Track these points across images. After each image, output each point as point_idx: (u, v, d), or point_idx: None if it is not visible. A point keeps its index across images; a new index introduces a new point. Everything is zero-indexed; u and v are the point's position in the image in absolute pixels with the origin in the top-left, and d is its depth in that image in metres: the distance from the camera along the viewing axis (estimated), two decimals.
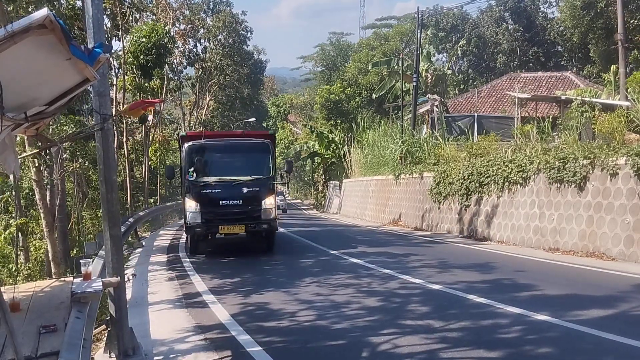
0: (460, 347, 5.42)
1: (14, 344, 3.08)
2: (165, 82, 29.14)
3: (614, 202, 10.50)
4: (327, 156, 39.87)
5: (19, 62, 3.03)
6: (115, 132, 20.22)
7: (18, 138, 11.18)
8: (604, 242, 10.60)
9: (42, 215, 14.23)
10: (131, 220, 16.05)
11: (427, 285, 8.51)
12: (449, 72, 45.21)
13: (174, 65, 32.80)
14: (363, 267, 10.56)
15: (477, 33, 45.82)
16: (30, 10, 11.57)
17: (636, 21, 29.10)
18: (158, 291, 8.92)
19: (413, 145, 22.50)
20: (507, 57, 43.74)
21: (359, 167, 29.85)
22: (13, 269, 14.78)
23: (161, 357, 5.60)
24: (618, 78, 21.16)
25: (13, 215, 16.45)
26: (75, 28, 14.92)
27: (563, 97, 21.25)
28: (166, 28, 25.50)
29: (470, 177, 15.47)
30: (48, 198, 14.35)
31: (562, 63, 43.42)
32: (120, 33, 21.46)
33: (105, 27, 6.87)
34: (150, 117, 27.72)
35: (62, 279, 6.32)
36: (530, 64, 43.41)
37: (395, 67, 37.05)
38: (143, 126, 27.80)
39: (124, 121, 24.44)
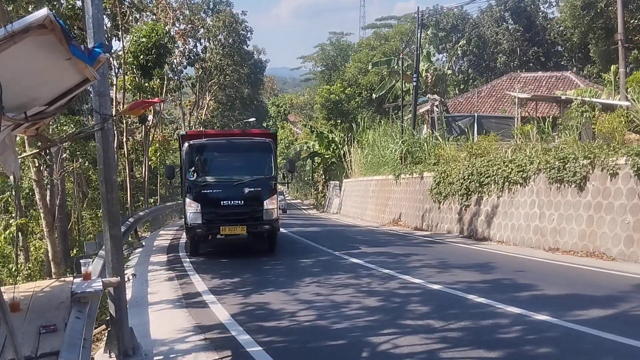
0: (460, 347, 5.42)
1: (14, 344, 3.08)
2: (165, 82, 29.15)
3: (614, 202, 10.50)
4: (327, 156, 39.87)
5: (19, 62, 3.03)
6: (115, 132, 20.23)
7: (18, 138, 11.18)
8: (604, 242, 10.60)
9: (42, 215, 14.23)
10: (131, 220, 16.05)
11: (427, 285, 8.51)
12: (449, 72, 45.21)
13: (174, 65, 32.80)
14: (363, 267, 10.56)
15: (477, 33, 45.83)
16: (30, 10, 11.57)
17: (636, 21, 29.10)
18: (158, 291, 8.92)
19: (413, 145, 22.50)
20: (507, 57, 43.75)
21: (359, 167, 29.85)
22: (13, 269, 14.78)
23: (161, 357, 5.59)
24: (618, 78, 21.16)
25: (13, 215, 16.44)
26: (75, 28, 14.92)
27: (563, 97, 21.25)
28: (166, 28, 25.51)
29: (470, 177, 15.47)
30: (48, 198, 14.35)
31: (562, 63, 43.43)
32: (120, 33, 21.46)
33: (105, 27, 6.87)
34: (150, 117, 27.76)
35: (62, 279, 6.32)
36: (530, 64, 43.42)
37: (395, 67, 37.06)
38: (143, 126, 27.81)
39: (124, 121, 24.45)
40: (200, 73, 40.25)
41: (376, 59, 43.86)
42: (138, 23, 23.92)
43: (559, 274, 9.36)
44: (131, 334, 5.25)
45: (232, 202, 11.73)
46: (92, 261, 6.85)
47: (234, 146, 12.84)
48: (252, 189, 11.83)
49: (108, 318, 5.59)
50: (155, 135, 31.70)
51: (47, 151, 12.89)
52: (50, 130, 14.70)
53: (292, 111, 69.16)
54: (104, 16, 9.74)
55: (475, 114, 24.48)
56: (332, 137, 39.36)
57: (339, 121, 42.87)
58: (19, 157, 5.09)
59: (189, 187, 11.94)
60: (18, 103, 3.53)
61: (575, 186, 11.57)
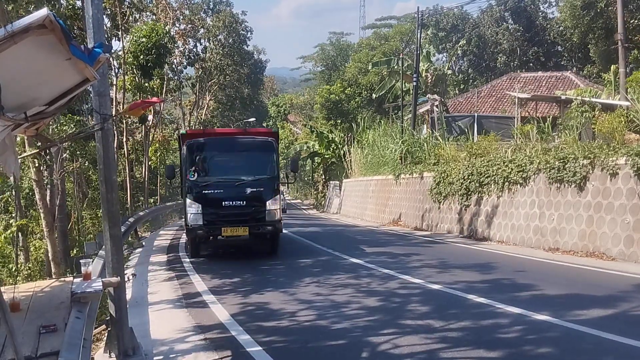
0: (461, 347, 5.42)
1: (14, 343, 3.08)
2: (165, 82, 29.15)
3: (614, 202, 10.50)
4: (327, 156, 39.86)
5: (19, 62, 3.03)
6: (115, 132, 20.23)
7: (18, 138, 11.17)
8: (604, 242, 10.60)
9: (42, 215, 14.22)
10: (131, 220, 16.05)
11: (427, 285, 8.51)
12: (449, 72, 45.20)
13: (174, 65, 32.81)
14: (363, 267, 10.56)
15: (477, 33, 45.81)
16: (30, 10, 11.57)
17: (636, 21, 29.09)
18: (158, 291, 8.92)
19: (413, 145, 22.50)
20: (507, 57, 43.74)
21: (359, 167, 29.84)
22: (13, 269, 14.77)
23: (161, 357, 5.60)
24: (618, 78, 21.16)
25: (13, 215, 16.45)
26: (75, 28, 14.93)
27: (563, 97, 21.25)
28: (166, 28, 25.52)
29: (470, 177, 15.47)
30: (48, 198, 14.34)
31: (562, 63, 43.43)
32: (120, 33, 21.47)
33: (105, 27, 6.87)
34: (150, 117, 27.76)
35: (62, 279, 6.32)
36: (530, 64, 43.42)
37: (395, 67, 37.05)
38: (143, 126, 27.81)
39: (124, 121, 24.45)
40: (200, 73, 40.25)
41: (376, 59, 43.85)
42: (138, 23, 23.93)
43: (559, 274, 9.36)
44: (131, 334, 5.25)
45: (234, 202, 11.46)
46: (92, 261, 6.86)
47: (236, 145, 12.56)
48: (254, 189, 11.57)
49: (108, 318, 5.59)
50: (155, 135, 31.70)
51: (47, 151, 12.89)
52: (50, 130, 14.69)
53: (292, 111, 69.15)
54: (104, 16, 9.74)
55: (475, 114, 24.48)
56: (332, 137, 39.35)
57: (339, 121, 42.87)
58: (19, 157, 5.09)
59: (189, 187, 11.67)
60: (18, 103, 3.53)
61: (575, 186, 11.57)
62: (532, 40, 42.97)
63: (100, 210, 6.17)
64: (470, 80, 48.07)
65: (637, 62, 29.38)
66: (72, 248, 16.40)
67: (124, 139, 25.54)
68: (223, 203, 11.47)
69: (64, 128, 15.54)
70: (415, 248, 13.28)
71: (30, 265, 15.53)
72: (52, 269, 13.75)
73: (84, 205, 22.78)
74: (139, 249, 14.97)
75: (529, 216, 12.91)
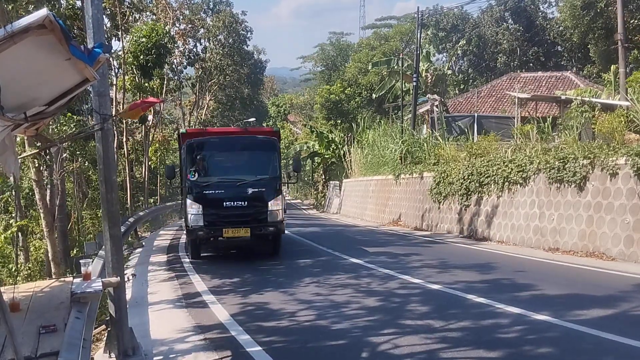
0: (461, 347, 5.42)
1: (13, 344, 3.08)
2: (165, 82, 29.15)
3: (614, 202, 10.50)
4: (327, 156, 39.83)
5: (18, 62, 3.03)
6: (115, 132, 20.23)
7: (18, 138, 11.17)
8: (603, 242, 10.60)
9: (42, 215, 14.22)
10: (131, 220, 16.05)
11: (427, 285, 8.51)
12: (449, 72, 45.20)
13: (174, 65, 32.81)
14: (363, 267, 10.56)
15: (477, 33, 45.82)
16: (30, 10, 11.57)
17: (636, 21, 29.09)
18: (158, 291, 8.92)
19: (413, 145, 22.49)
20: (507, 57, 43.75)
21: (359, 167, 29.84)
22: (13, 269, 14.77)
23: (161, 357, 5.60)
24: (618, 78, 21.16)
25: (13, 215, 16.45)
26: (75, 28, 14.93)
27: (563, 97, 21.25)
28: (166, 28, 25.52)
29: (470, 177, 15.47)
30: (48, 198, 14.34)
31: (562, 63, 43.43)
32: (120, 33, 21.47)
33: (105, 27, 6.87)
34: (150, 117, 27.76)
35: (62, 279, 6.32)
36: (530, 64, 43.42)
37: (395, 67, 37.05)
38: (143, 126, 27.81)
39: (124, 121, 24.42)
40: (200, 73, 40.25)
41: (376, 59, 43.85)
42: (138, 23, 23.93)
43: (558, 274, 9.36)
44: (131, 334, 5.25)
45: (235, 203, 11.22)
46: (92, 261, 6.86)
47: (237, 145, 12.32)
48: (256, 190, 11.36)
49: (108, 318, 5.59)
50: (155, 135, 31.71)
51: (47, 151, 12.88)
52: (50, 130, 14.69)
53: (292, 111, 69.13)
54: (104, 16, 9.73)
55: (475, 114, 24.49)
56: (332, 137, 39.33)
57: (339, 121, 42.85)
58: (18, 157, 5.09)
59: (189, 187, 11.47)
60: (18, 103, 3.53)
61: (575, 186, 11.57)
62: (532, 40, 42.98)
63: (100, 210, 6.17)
64: (470, 80, 48.07)
65: (637, 62, 29.39)
66: (72, 248, 16.39)
67: (124, 139, 25.53)
68: (224, 203, 11.23)
69: (64, 128, 15.53)
70: (415, 248, 13.27)
71: (30, 266, 15.53)
72: (52, 269, 13.75)
73: (84, 205, 22.78)
74: (139, 249, 14.97)
75: (529, 216, 12.91)
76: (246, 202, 11.27)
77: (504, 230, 13.84)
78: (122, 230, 7.68)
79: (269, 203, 11.39)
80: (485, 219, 14.68)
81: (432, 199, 17.80)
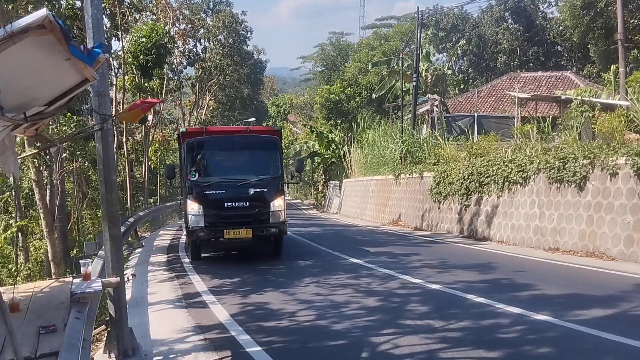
0: (461, 347, 5.42)
1: (13, 344, 3.07)
2: (165, 82, 29.15)
3: (614, 201, 10.50)
4: (327, 156, 39.82)
5: (18, 63, 3.03)
6: (115, 132, 20.21)
7: (18, 138, 11.18)
8: (603, 241, 10.60)
9: (41, 215, 14.22)
10: (131, 220, 16.05)
11: (427, 285, 8.51)
12: (449, 71, 45.20)
13: (173, 65, 32.81)
14: (363, 267, 10.56)
15: (477, 33, 45.82)
16: (29, 10, 11.57)
17: (636, 21, 29.09)
18: (158, 291, 8.92)
19: (413, 145, 22.49)
20: (507, 57, 43.75)
21: (359, 167, 29.84)
22: (13, 269, 14.78)
23: (161, 357, 5.59)
24: (618, 78, 21.16)
25: (13, 215, 16.45)
26: (75, 28, 14.92)
27: (563, 97, 21.25)
28: (166, 28, 25.52)
29: (470, 177, 15.47)
30: (48, 198, 14.35)
31: (562, 63, 43.45)
32: (119, 33, 21.47)
33: (104, 27, 6.87)
34: (150, 117, 27.76)
35: (62, 279, 6.32)
36: (530, 64, 43.43)
37: (395, 67, 37.06)
38: (143, 126, 27.81)
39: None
40: (200, 73, 40.26)
41: (376, 59, 43.84)
42: (138, 23, 23.93)
43: (558, 273, 9.36)
44: (131, 334, 5.25)
45: (237, 203, 10.99)
46: (92, 261, 6.86)
47: (238, 144, 12.05)
48: (258, 190, 11.13)
49: (108, 318, 5.59)
50: (155, 136, 31.71)
51: (47, 151, 12.88)
52: (50, 130, 14.70)
53: (292, 111, 69.12)
54: (104, 16, 9.74)
55: (475, 114, 24.49)
56: (332, 137, 39.32)
57: (339, 121, 42.85)
58: (18, 157, 5.09)
59: (190, 187, 11.25)
60: (17, 103, 3.53)
61: (575, 186, 11.56)
62: (532, 40, 42.99)
63: (100, 211, 6.17)
64: (470, 80, 48.08)
65: (637, 62, 29.40)
66: (71, 248, 16.40)
67: (124, 139, 25.53)
68: (225, 204, 11.01)
69: (64, 128, 15.54)
70: (415, 248, 13.27)
71: (30, 266, 15.53)
72: (52, 269, 13.75)
73: (84, 205, 22.78)
74: (139, 249, 14.97)
75: (529, 216, 12.91)
76: (248, 203, 11.06)
77: (504, 230, 13.84)
78: (122, 230, 7.68)
79: (271, 203, 11.19)
80: (485, 219, 14.68)
81: (432, 199, 17.80)
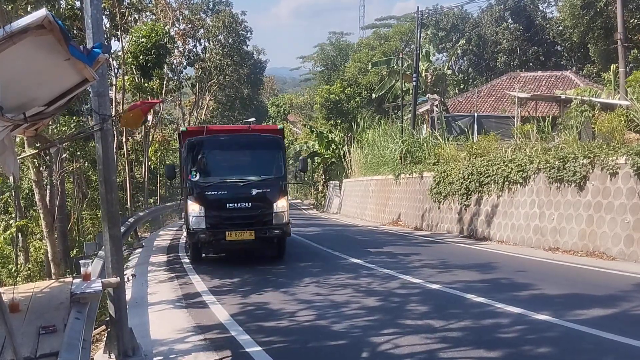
0: (461, 346, 5.42)
1: (13, 344, 3.07)
2: (165, 83, 29.14)
3: (614, 201, 10.50)
4: (327, 156, 39.82)
5: (17, 63, 3.03)
6: (115, 132, 20.19)
7: (17, 139, 11.18)
8: (604, 241, 10.60)
9: (41, 215, 14.23)
10: (131, 220, 16.03)
11: (427, 285, 8.50)
12: (449, 71, 45.18)
13: (173, 66, 32.79)
14: (363, 267, 10.56)
15: (477, 32, 45.82)
16: (29, 10, 11.56)
17: (636, 20, 29.09)
18: (158, 291, 8.92)
19: (413, 145, 22.49)
20: (507, 57, 43.75)
21: (359, 167, 29.84)
22: (13, 270, 14.78)
23: (161, 358, 5.59)
24: (618, 77, 21.16)
25: (13, 215, 16.46)
26: (74, 28, 14.92)
27: (563, 97, 21.24)
28: (166, 28, 25.50)
29: (470, 177, 15.46)
30: (48, 198, 14.35)
31: (561, 62, 43.45)
32: (119, 33, 21.46)
33: (104, 27, 6.87)
34: (150, 117, 27.73)
35: (62, 279, 6.32)
36: (530, 64, 43.42)
37: (395, 67, 37.05)
38: (143, 126, 27.77)
39: None
40: (200, 73, 40.22)
41: (376, 58, 43.83)
42: (137, 23, 23.91)
43: (559, 273, 9.36)
44: (131, 335, 5.25)
45: (239, 204, 10.70)
46: (92, 262, 6.85)
47: (240, 143, 11.73)
48: (261, 190, 10.84)
49: (108, 318, 5.58)
50: (155, 136, 31.70)
51: (47, 152, 12.89)
52: (50, 130, 14.70)
53: (291, 111, 69.09)
54: (103, 16, 9.74)
55: (475, 114, 24.49)
56: (332, 137, 39.32)
57: (339, 121, 42.85)
58: (18, 157, 5.08)
59: (190, 188, 10.91)
60: (17, 103, 3.53)
61: (575, 186, 11.56)
62: (532, 40, 42.99)
63: (100, 211, 6.17)
64: (470, 80, 48.06)
65: (636, 62, 29.40)
66: (71, 248, 16.41)
67: (124, 139, 25.51)
68: (227, 205, 10.74)
69: (64, 128, 15.55)
70: (415, 248, 13.27)
71: (30, 266, 15.54)
72: (52, 270, 13.76)
73: (84, 205, 22.78)
74: (139, 250, 14.96)
75: (529, 216, 12.91)
76: (250, 204, 10.77)
77: (504, 230, 13.84)
78: (122, 230, 7.67)
79: (274, 204, 10.92)
80: (485, 219, 14.67)
81: (432, 199, 17.80)
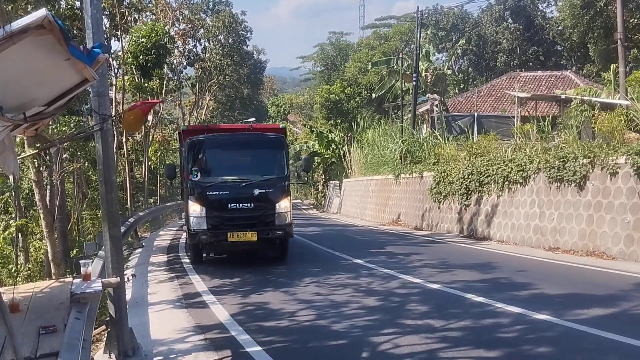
0: (461, 346, 5.42)
1: (13, 344, 3.07)
2: (165, 82, 29.14)
3: (614, 201, 10.50)
4: (327, 156, 39.81)
5: (17, 63, 3.03)
6: (115, 132, 20.19)
7: (17, 139, 11.18)
8: (604, 241, 10.60)
9: (41, 215, 14.24)
10: (131, 220, 16.02)
11: (427, 284, 8.50)
12: (449, 71, 45.17)
13: (173, 65, 32.79)
14: (363, 266, 10.56)
15: (477, 32, 45.81)
16: (29, 10, 11.57)
17: (636, 20, 29.10)
18: (158, 291, 8.92)
19: (413, 144, 22.49)
20: (507, 57, 43.76)
21: (359, 167, 29.85)
22: (13, 270, 14.80)
23: (161, 358, 5.59)
24: (618, 77, 21.16)
25: (13, 215, 16.46)
26: (74, 28, 14.92)
27: (563, 97, 21.25)
28: (166, 28, 25.50)
29: (470, 177, 15.46)
30: (48, 198, 14.36)
31: (561, 62, 43.44)
32: (119, 33, 21.47)
33: (104, 27, 6.88)
34: (150, 117, 27.74)
35: (62, 279, 6.32)
36: (530, 63, 43.42)
37: (395, 67, 37.06)
38: (143, 126, 27.78)
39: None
40: (200, 73, 40.22)
41: (376, 58, 43.82)
42: (137, 23, 23.91)
43: (559, 273, 9.36)
44: (131, 335, 5.25)
45: (241, 205, 10.46)
46: (92, 262, 6.85)
47: (242, 142, 11.53)
48: (263, 191, 10.61)
49: (108, 318, 5.58)
50: (155, 136, 31.70)
51: (47, 152, 12.89)
52: (50, 130, 14.70)
53: (291, 111, 69.06)
54: (103, 16, 9.74)
55: (475, 114, 24.49)
56: (332, 137, 39.31)
57: (339, 121, 42.84)
58: (18, 157, 5.09)
59: (191, 188, 10.68)
60: (17, 103, 3.53)
61: (575, 185, 11.56)
62: (532, 40, 42.99)
63: (100, 211, 6.17)
64: (470, 80, 48.06)
65: (636, 61, 29.40)
66: (72, 248, 16.41)
67: (124, 139, 25.50)
68: (229, 205, 10.50)
69: (64, 128, 15.55)
70: (415, 248, 13.27)
71: (30, 266, 15.55)
72: (52, 270, 13.77)
73: (84, 205, 22.79)
74: (139, 250, 14.96)
75: (529, 215, 12.91)
76: (252, 204, 10.54)
77: (504, 230, 13.84)
78: (122, 230, 7.68)
79: (277, 205, 10.70)
80: (485, 219, 14.68)
81: (432, 199, 17.80)
